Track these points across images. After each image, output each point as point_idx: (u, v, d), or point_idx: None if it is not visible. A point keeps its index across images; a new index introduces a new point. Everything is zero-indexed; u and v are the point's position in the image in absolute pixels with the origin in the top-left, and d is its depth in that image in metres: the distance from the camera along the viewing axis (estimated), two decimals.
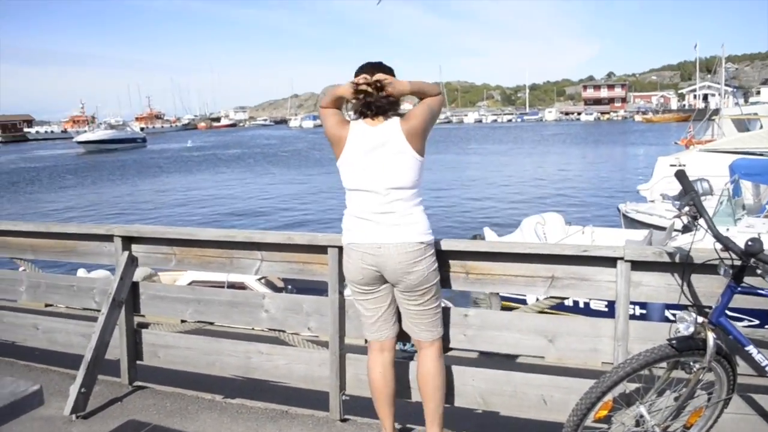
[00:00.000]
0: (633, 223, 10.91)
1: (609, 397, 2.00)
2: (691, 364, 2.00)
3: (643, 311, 6.48)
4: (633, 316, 2.43)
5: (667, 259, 2.26)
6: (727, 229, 7.15)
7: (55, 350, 3.55)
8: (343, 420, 2.78)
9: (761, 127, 15.87)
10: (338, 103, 2.32)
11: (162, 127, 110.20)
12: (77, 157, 49.95)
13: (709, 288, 2.22)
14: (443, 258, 2.49)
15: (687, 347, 1.96)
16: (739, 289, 1.98)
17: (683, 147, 18.41)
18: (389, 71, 2.28)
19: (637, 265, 2.32)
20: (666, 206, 9.75)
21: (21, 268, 3.96)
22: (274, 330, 3.05)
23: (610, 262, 2.36)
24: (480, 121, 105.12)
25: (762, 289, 2.00)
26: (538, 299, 2.68)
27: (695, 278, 2.23)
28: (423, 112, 2.22)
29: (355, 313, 2.69)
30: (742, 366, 2.15)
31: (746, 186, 10.15)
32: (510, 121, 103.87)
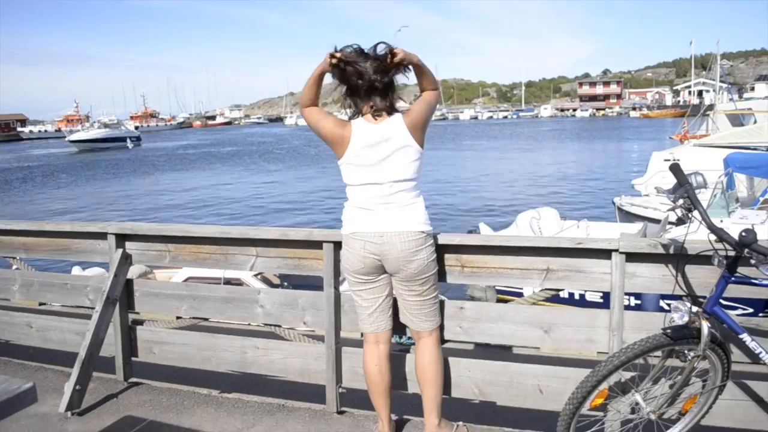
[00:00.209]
0: (628, 216, 10.98)
1: (605, 385, 2.02)
2: (686, 352, 2.02)
3: (638, 302, 6.51)
4: (628, 307, 2.44)
5: (661, 250, 2.27)
6: (721, 221, 7.20)
7: (49, 348, 3.53)
8: (340, 412, 2.78)
9: (755, 121, 15.96)
10: (318, 89, 2.29)
11: (157, 125, 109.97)
12: (70, 156, 49.74)
13: (703, 278, 2.24)
14: (439, 252, 2.48)
15: (682, 336, 1.98)
16: (732, 279, 1.99)
17: (678, 142, 18.52)
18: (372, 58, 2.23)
19: (632, 257, 2.33)
20: (661, 199, 9.80)
21: (14, 267, 3.93)
22: (270, 325, 3.04)
23: (605, 254, 2.37)
24: (476, 118, 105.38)
25: (755, 279, 2.01)
26: (534, 291, 2.69)
27: (689, 269, 2.24)
28: (423, 107, 2.29)
29: (350, 307, 2.70)
30: (736, 353, 2.17)
31: (740, 179, 10.20)
32: (506, 117, 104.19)
